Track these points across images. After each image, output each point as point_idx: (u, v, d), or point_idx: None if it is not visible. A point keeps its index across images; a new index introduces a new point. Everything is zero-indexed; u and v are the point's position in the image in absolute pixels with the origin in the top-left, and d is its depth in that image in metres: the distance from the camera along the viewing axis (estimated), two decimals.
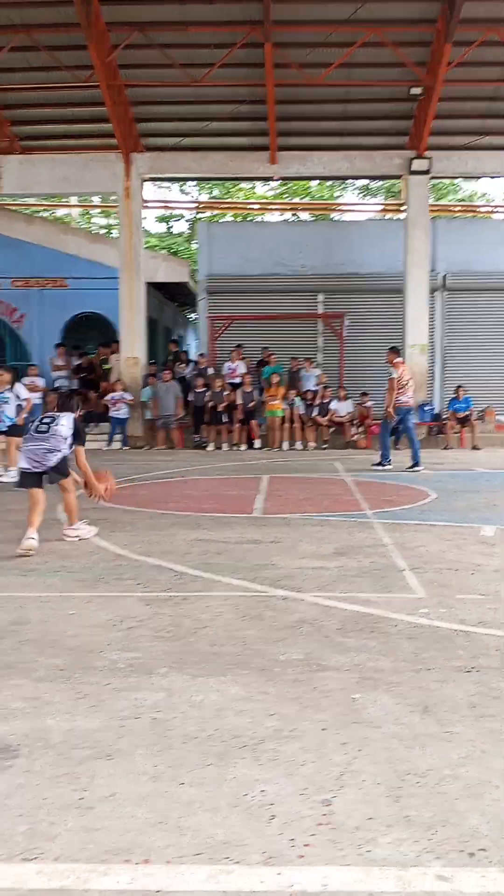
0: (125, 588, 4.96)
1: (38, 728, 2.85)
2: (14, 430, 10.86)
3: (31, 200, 25.79)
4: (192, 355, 21.88)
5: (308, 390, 17.41)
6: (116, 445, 16.68)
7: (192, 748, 2.70)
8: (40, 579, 5.22)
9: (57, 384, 18.32)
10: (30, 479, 6.34)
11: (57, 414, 6.58)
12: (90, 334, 20.91)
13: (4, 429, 11.10)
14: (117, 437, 16.79)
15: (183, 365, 18.59)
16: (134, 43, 14.53)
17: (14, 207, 22.77)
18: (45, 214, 28.81)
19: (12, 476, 9.28)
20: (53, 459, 6.36)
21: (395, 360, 12.54)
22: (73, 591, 4.91)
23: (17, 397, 11.12)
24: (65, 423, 6.50)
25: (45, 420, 6.51)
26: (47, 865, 2.04)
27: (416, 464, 11.96)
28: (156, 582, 5.11)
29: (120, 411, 16.79)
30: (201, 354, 19.07)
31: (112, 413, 16.86)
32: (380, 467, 12.22)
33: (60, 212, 30.88)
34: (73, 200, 28.44)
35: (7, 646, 3.81)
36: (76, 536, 6.56)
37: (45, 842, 2.14)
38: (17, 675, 3.39)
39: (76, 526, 6.61)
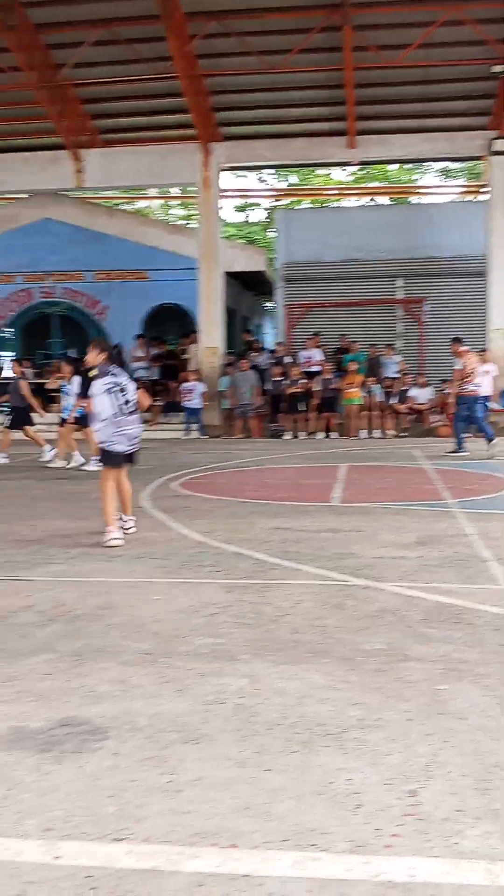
0: (206, 575, 5.01)
1: (125, 711, 2.91)
2: (82, 421, 11.07)
3: (111, 193, 26.16)
4: (270, 344, 21.88)
5: (387, 377, 17.21)
6: (194, 435, 16.85)
7: (277, 735, 2.71)
8: (125, 565, 5.32)
9: (137, 375, 18.60)
10: (123, 460, 6.25)
11: (126, 383, 6.23)
12: (170, 325, 21.14)
13: (68, 417, 11.28)
14: (194, 426, 16.96)
15: (256, 354, 18.62)
16: (212, 32, 14.54)
17: (96, 201, 23.14)
18: (125, 207, 29.19)
19: (97, 465, 9.46)
20: (139, 440, 6.39)
21: (459, 350, 12.50)
22: (156, 577, 4.99)
23: (72, 391, 11.34)
24: (133, 391, 6.32)
25: (127, 397, 6.18)
26: (137, 846, 2.08)
27: (490, 444, 11.88)
28: (236, 569, 5.15)
29: (193, 401, 16.94)
30: (279, 343, 19.06)
31: (184, 403, 17.03)
32: (454, 454, 12.11)
33: (138, 204, 31.25)
34: (153, 193, 28.75)
35: (95, 630, 3.90)
36: (133, 526, 6.42)
37: (134, 823, 2.19)
38: (105, 659, 3.47)
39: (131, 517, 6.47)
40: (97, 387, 6.14)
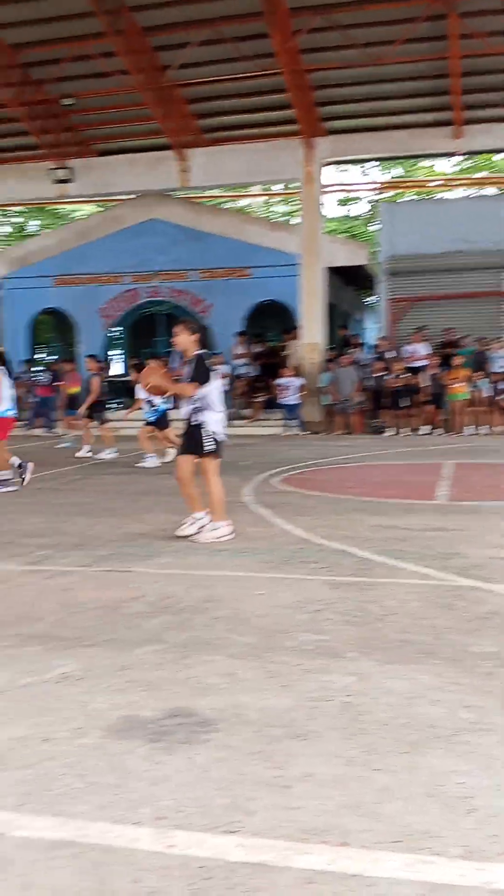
0: (310, 571, 5.00)
1: (233, 704, 2.94)
2: (161, 422, 11.23)
3: (213, 192, 26.45)
4: (370, 339, 21.66)
5: (494, 371, 16.76)
6: (293, 431, 16.87)
7: (385, 734, 2.68)
8: (229, 559, 5.37)
9: (238, 372, 18.76)
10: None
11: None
12: (270, 322, 21.20)
13: (152, 419, 11.42)
14: (292, 422, 16.97)
15: (353, 349, 18.46)
16: (314, 26, 14.48)
17: (199, 200, 23.43)
18: (228, 205, 29.43)
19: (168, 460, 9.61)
20: None
21: None
22: (260, 571, 5.01)
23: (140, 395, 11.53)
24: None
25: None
26: (247, 839, 2.09)
27: None
28: (340, 566, 5.11)
29: (289, 398, 16.95)
30: (382, 337, 18.85)
31: (280, 399, 17.07)
32: None
33: (240, 202, 31.45)
34: (255, 190, 28.88)
35: (201, 622, 3.95)
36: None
37: (244, 816, 2.20)
38: (212, 651, 3.51)
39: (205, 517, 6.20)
40: (215, 377, 6.07)
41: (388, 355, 17.44)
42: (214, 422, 6.02)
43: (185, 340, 6.04)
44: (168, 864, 1.99)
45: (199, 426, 6.01)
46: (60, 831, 2.16)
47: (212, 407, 6.01)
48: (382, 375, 16.64)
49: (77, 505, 7.86)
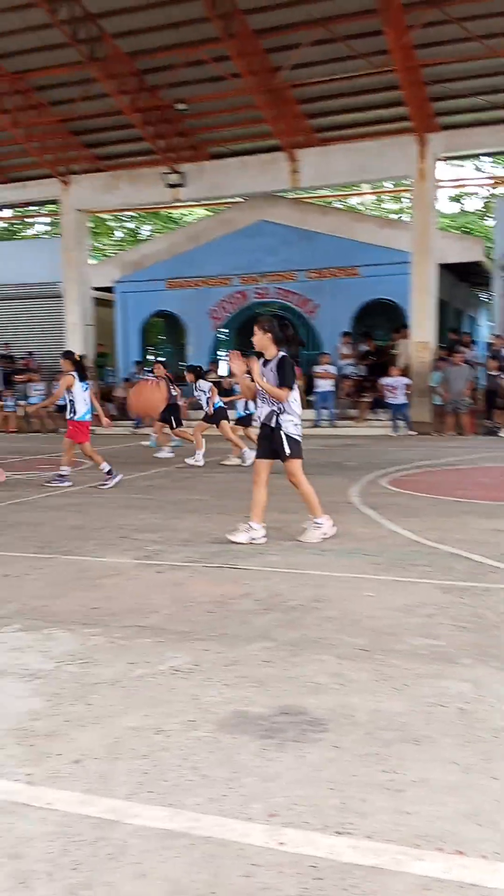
0: (421, 574, 4.90)
1: (343, 704, 2.90)
2: (214, 418, 11.23)
3: (322, 192, 26.33)
4: (486, 337, 21.08)
5: None
6: (402, 431, 16.61)
7: (503, 743, 2.59)
8: (336, 560, 5.32)
9: (345, 372, 18.63)
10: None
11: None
12: (380, 321, 20.95)
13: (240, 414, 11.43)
14: (401, 422, 16.71)
15: (464, 348, 17.98)
16: (429, 21, 14.22)
17: (308, 200, 23.39)
18: (337, 205, 29.27)
19: (251, 459, 9.60)
20: None
21: None
22: (369, 573, 4.94)
23: (203, 391, 11.49)
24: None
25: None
26: (360, 842, 2.05)
27: None
28: (452, 570, 4.99)
29: (396, 398, 16.67)
30: (497, 335, 18.32)
31: (387, 399, 16.82)
32: None
33: (350, 201, 31.22)
34: (365, 189, 28.59)
35: (311, 621, 3.93)
36: (263, 536, 5.97)
37: (356, 818, 2.17)
38: (322, 651, 3.48)
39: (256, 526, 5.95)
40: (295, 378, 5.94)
41: (503, 353, 16.93)
42: (291, 424, 5.88)
43: (260, 340, 5.87)
44: (280, 861, 1.98)
45: (276, 429, 5.87)
46: (173, 822, 2.18)
47: (289, 409, 5.88)
48: (497, 375, 16.17)
49: (186, 502, 7.98)
